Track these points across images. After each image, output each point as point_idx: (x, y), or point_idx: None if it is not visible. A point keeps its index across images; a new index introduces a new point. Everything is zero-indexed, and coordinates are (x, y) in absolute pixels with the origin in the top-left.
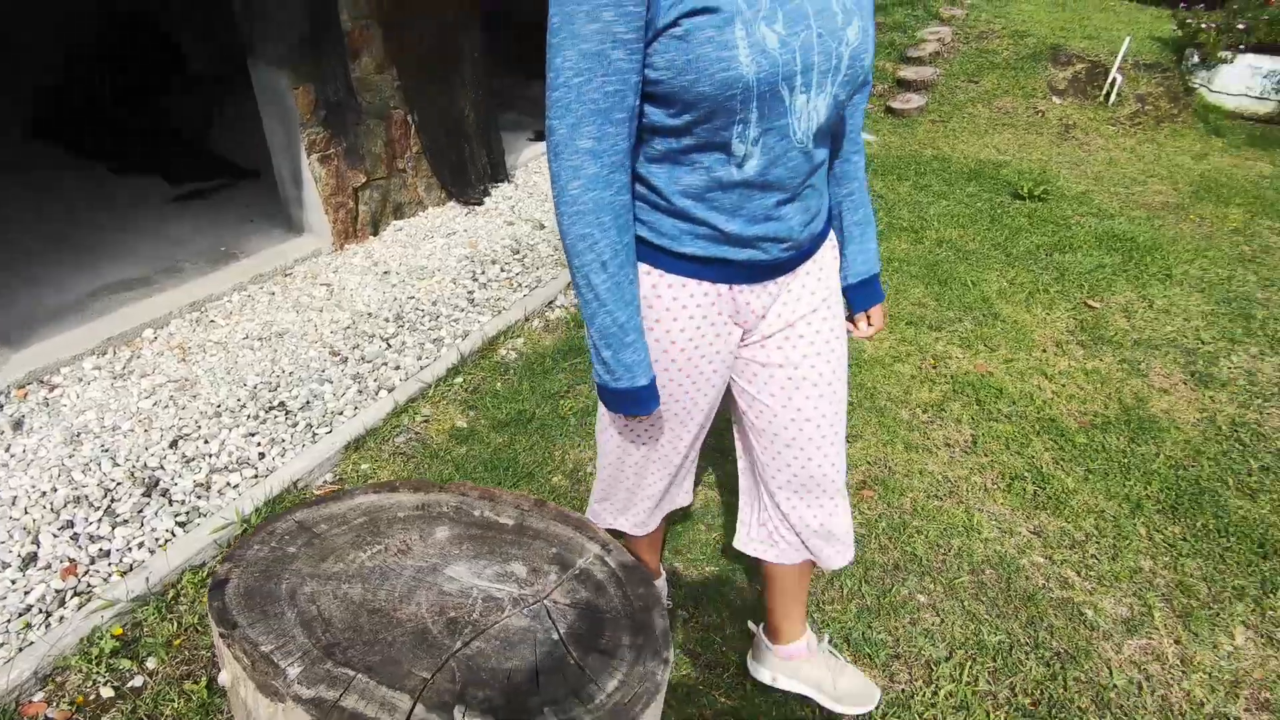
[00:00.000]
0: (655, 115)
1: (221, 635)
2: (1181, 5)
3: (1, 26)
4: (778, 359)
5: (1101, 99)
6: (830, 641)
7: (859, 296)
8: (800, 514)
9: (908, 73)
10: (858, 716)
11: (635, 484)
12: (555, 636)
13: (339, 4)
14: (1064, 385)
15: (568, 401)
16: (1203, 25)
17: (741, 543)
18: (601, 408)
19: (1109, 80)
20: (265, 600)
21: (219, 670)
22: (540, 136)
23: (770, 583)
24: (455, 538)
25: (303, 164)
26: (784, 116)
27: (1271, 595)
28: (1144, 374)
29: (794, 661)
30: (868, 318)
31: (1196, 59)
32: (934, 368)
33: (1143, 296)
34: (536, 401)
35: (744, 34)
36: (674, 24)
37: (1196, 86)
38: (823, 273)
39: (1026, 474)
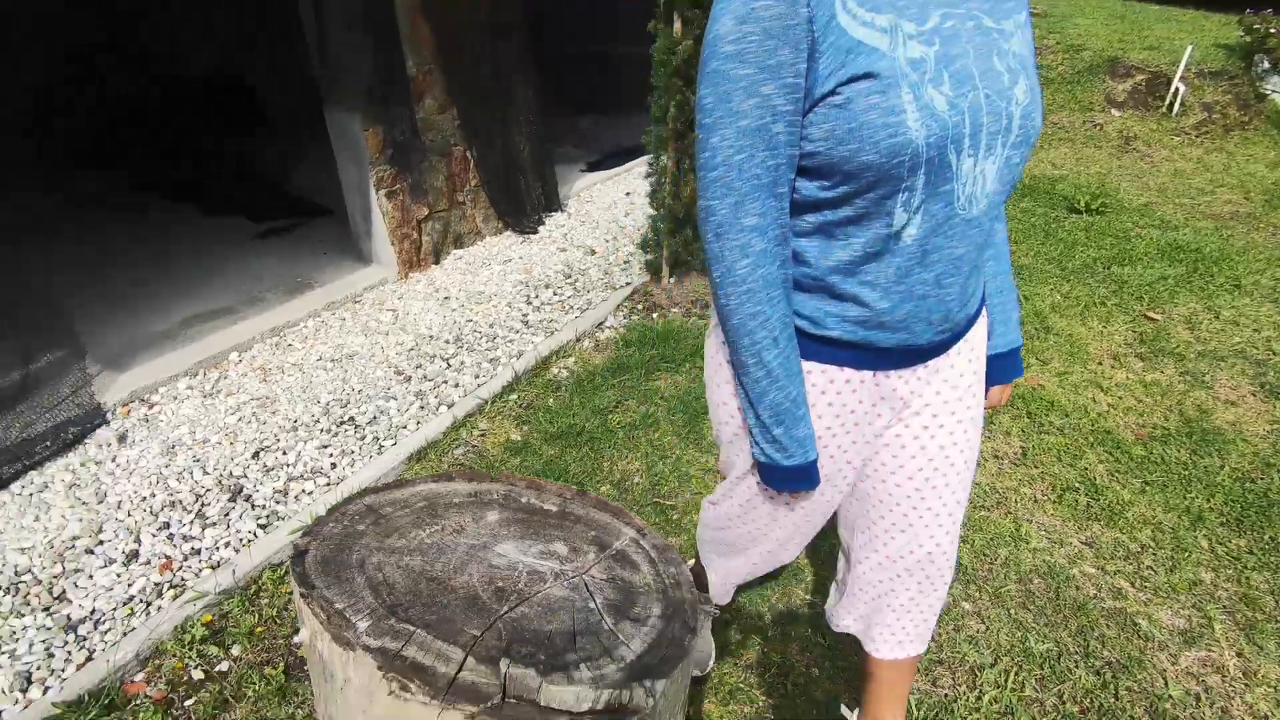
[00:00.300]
0: (808, 189)
1: (302, 595)
2: (1249, 10)
3: (118, 98)
4: (912, 449)
5: (1164, 109)
6: None
7: (997, 370)
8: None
9: None
10: None
11: (753, 546)
12: (592, 605)
13: (404, 52)
14: (1120, 398)
15: (616, 416)
16: (1272, 30)
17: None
18: (739, 482)
19: (1171, 90)
20: (338, 568)
21: (299, 631)
22: (593, 168)
23: (870, 676)
24: (504, 520)
25: (372, 200)
26: (949, 182)
27: None
28: (1208, 386)
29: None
30: (1000, 390)
31: (1267, 64)
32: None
33: (1208, 308)
34: (586, 416)
35: (911, 97)
36: (833, 92)
37: (1268, 93)
38: (974, 353)
39: (1079, 485)
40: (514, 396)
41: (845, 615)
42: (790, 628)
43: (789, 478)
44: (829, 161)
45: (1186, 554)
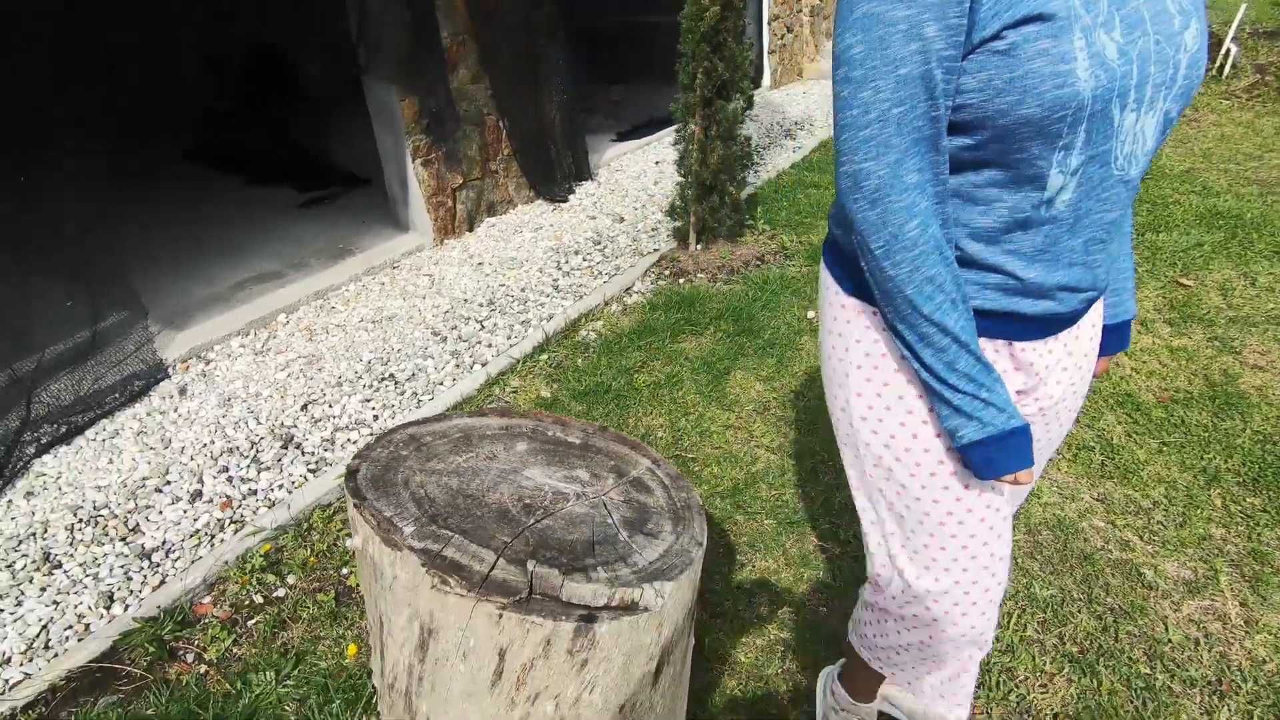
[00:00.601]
0: (951, 146)
1: (355, 505)
2: None
3: (160, 70)
4: (1035, 432)
5: (1214, 72)
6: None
7: (1107, 341)
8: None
9: None
10: None
11: (981, 582)
12: (609, 521)
13: (439, 21)
14: (1145, 361)
15: (641, 376)
16: None
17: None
18: (934, 505)
19: (1222, 51)
20: (386, 485)
21: (353, 538)
22: (623, 137)
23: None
24: (532, 450)
25: (408, 169)
26: (1109, 140)
27: None
28: (1237, 351)
29: (890, 689)
30: (1104, 361)
31: None
32: None
33: (1244, 274)
34: (613, 375)
35: (1084, 43)
36: (996, 36)
37: None
38: (1094, 325)
39: (1095, 445)
40: (544, 356)
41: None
42: (803, 570)
43: (1011, 449)
44: (980, 115)
45: (1199, 510)
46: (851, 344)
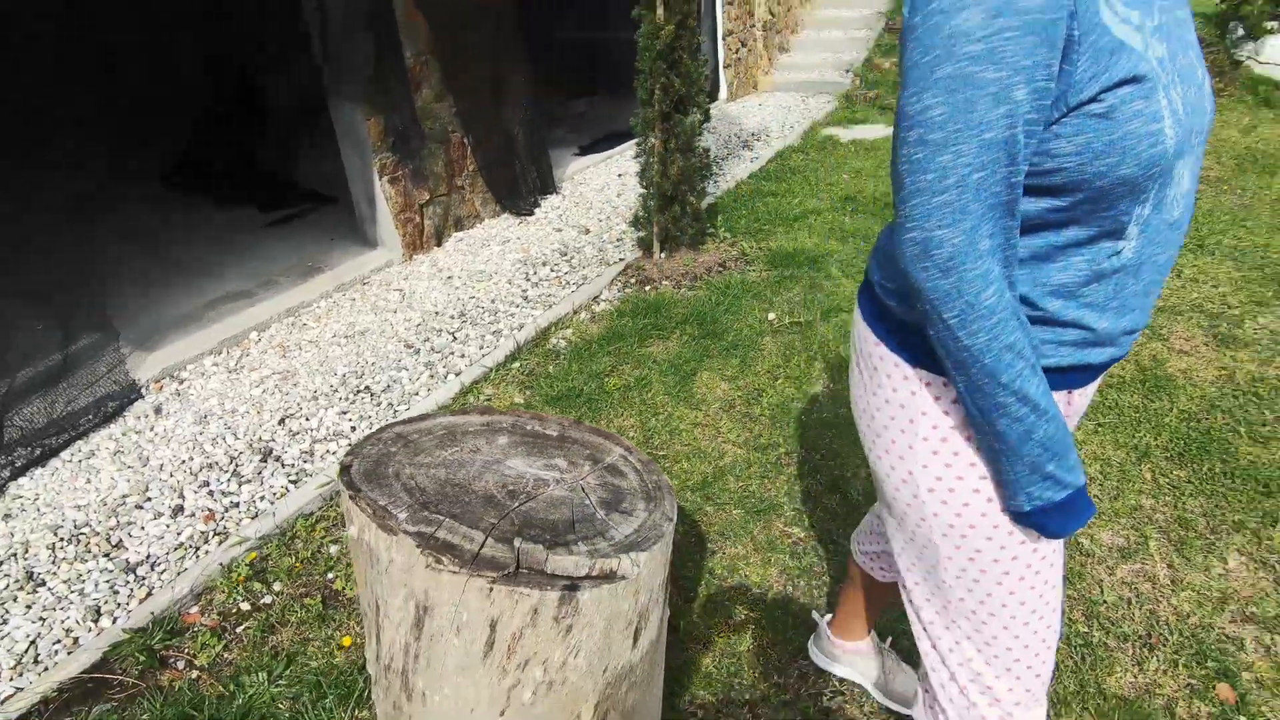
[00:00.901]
0: (1033, 209)
1: (350, 496)
2: None
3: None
4: None
5: None
6: (892, 644)
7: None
8: None
9: None
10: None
11: (1048, 644)
12: (587, 502)
13: (401, 42)
14: None
15: (612, 379)
16: None
17: (855, 549)
18: (995, 585)
19: None
20: (378, 478)
21: (349, 528)
22: (586, 151)
23: (858, 588)
24: (513, 443)
25: (375, 186)
26: (1169, 188)
27: (1270, 528)
28: (1164, 338)
29: (857, 655)
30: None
31: (1241, 31)
32: None
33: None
34: (584, 380)
35: (1166, 101)
36: (1094, 99)
37: (1243, 59)
38: None
39: None
40: (516, 365)
41: (867, 544)
42: (770, 554)
43: (1073, 510)
44: (1078, 178)
45: (1131, 484)
46: (917, 416)
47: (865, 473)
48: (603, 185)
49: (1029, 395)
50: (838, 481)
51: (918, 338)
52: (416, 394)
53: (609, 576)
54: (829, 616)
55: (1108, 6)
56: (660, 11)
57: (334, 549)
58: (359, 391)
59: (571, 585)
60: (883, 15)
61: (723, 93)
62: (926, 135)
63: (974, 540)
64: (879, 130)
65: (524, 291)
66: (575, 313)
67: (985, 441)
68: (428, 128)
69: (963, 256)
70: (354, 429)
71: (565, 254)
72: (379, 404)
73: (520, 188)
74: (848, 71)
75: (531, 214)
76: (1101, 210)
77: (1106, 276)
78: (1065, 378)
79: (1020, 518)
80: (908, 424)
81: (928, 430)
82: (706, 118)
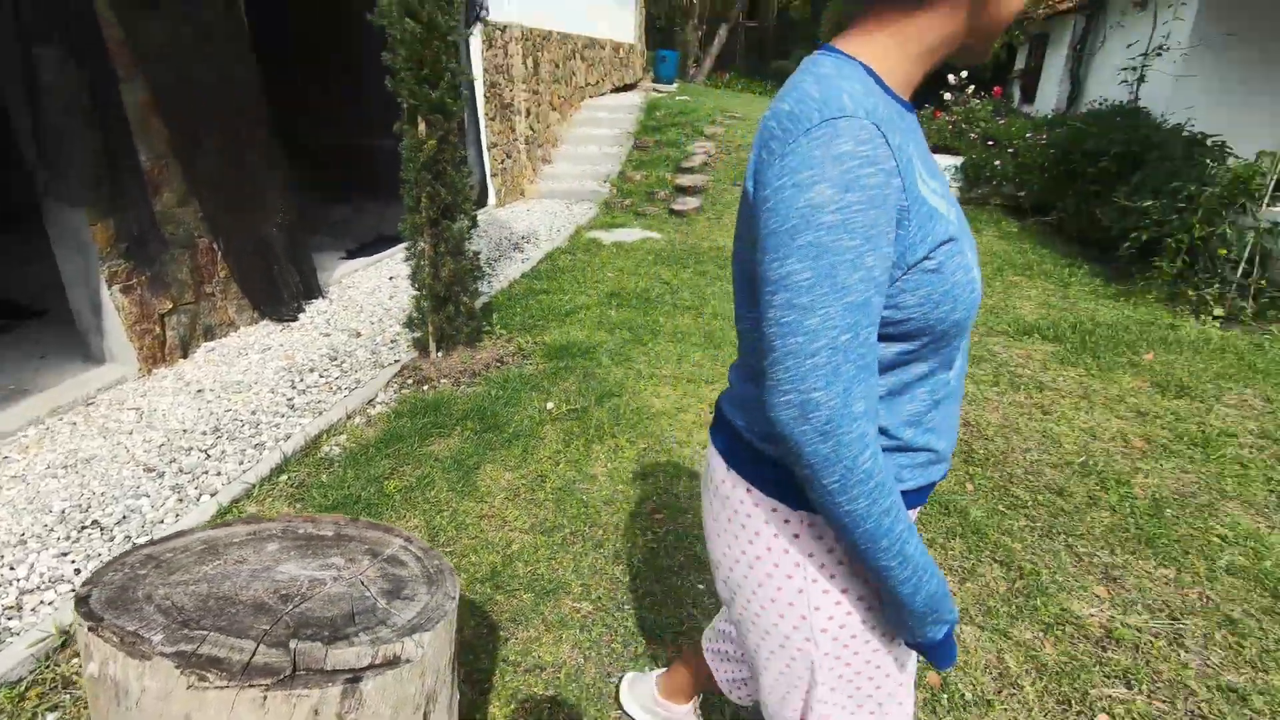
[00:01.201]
0: (888, 354)
1: (90, 629)
2: None
3: None
4: None
5: None
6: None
7: None
8: None
9: (684, 180)
10: None
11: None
12: (367, 594)
13: (135, 144)
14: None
15: (392, 482)
16: None
17: (705, 645)
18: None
19: None
20: (125, 603)
21: (89, 665)
22: (353, 255)
23: (695, 667)
24: (284, 548)
25: (103, 295)
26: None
27: None
28: None
29: (673, 715)
30: None
31: None
32: (710, 412)
33: None
34: (361, 486)
35: (970, 254)
36: (926, 258)
37: None
38: None
39: None
40: (284, 478)
41: (717, 645)
42: (562, 631)
43: (949, 643)
44: (923, 324)
45: None
46: (803, 559)
47: (644, 540)
48: (373, 288)
49: (909, 555)
50: (619, 553)
51: (793, 481)
52: (162, 521)
53: (393, 662)
54: (660, 671)
55: (921, 181)
56: (422, 128)
57: (87, 670)
58: (84, 527)
59: (354, 677)
60: (630, 135)
61: (491, 199)
62: (794, 299)
63: (857, 657)
64: (636, 233)
65: (290, 400)
66: (349, 418)
67: (876, 585)
68: (170, 232)
69: (840, 419)
70: (79, 571)
71: (335, 359)
72: (111, 538)
73: (281, 293)
74: (605, 181)
75: (295, 319)
76: (941, 348)
77: (942, 403)
78: (918, 496)
79: (911, 645)
80: (794, 567)
81: (815, 571)
82: (474, 223)
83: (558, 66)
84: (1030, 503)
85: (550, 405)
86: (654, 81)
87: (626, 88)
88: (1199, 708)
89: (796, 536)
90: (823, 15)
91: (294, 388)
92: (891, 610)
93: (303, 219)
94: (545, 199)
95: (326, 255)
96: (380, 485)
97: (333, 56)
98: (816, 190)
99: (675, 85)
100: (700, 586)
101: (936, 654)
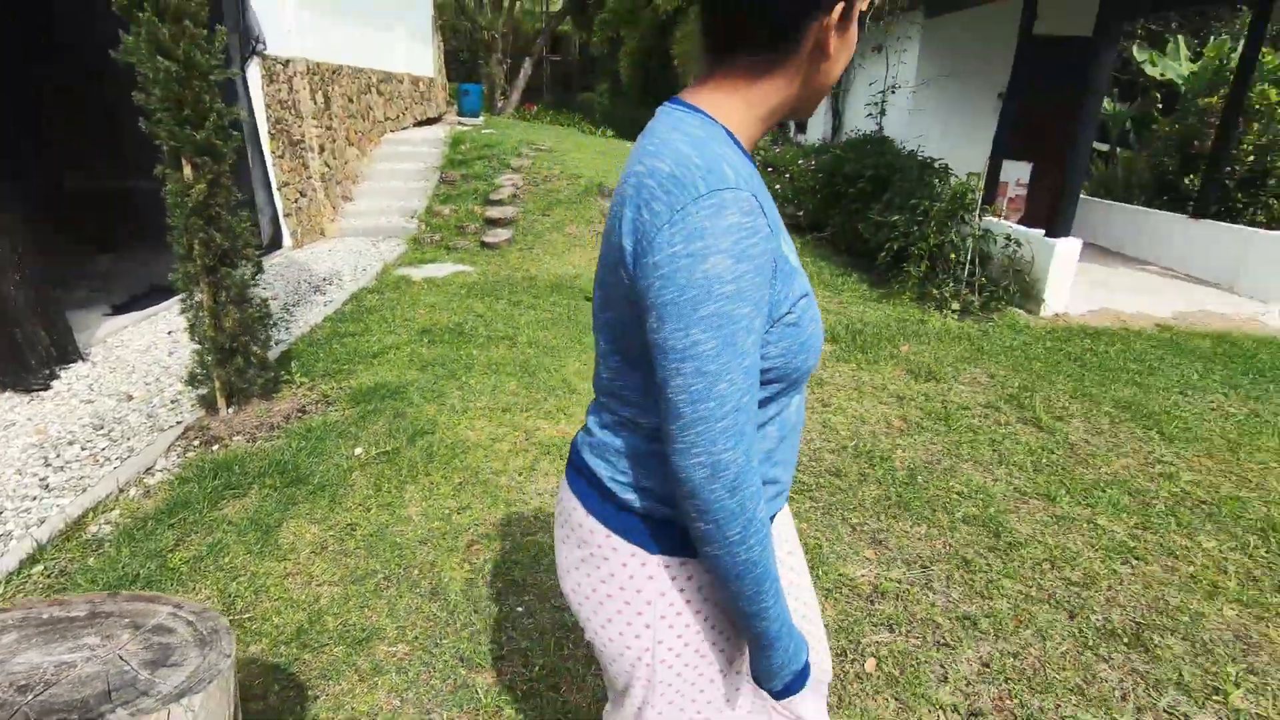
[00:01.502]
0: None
1: None
2: None
3: None
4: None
5: None
6: None
7: None
8: None
9: (493, 212)
10: None
11: None
12: (127, 668)
13: None
14: None
15: (178, 553)
16: None
17: None
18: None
19: None
20: None
21: None
22: (121, 310)
23: None
24: (23, 638)
25: None
26: None
27: None
28: None
29: None
30: None
31: None
32: (526, 439)
33: None
34: (140, 562)
35: (816, 304)
36: (789, 312)
37: None
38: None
39: None
40: (39, 568)
41: None
42: (377, 678)
43: (804, 669)
44: (784, 372)
45: None
46: (655, 598)
47: (462, 573)
48: (148, 345)
49: (776, 589)
50: (436, 589)
51: (661, 526)
52: None
53: None
54: None
55: (783, 241)
56: (188, 171)
57: None
58: None
59: None
60: (436, 169)
61: (287, 240)
62: (703, 367)
63: (692, 687)
64: (448, 268)
65: (43, 480)
66: (121, 490)
67: (746, 636)
68: None
69: (744, 475)
70: None
71: (101, 427)
72: None
73: (26, 359)
74: (413, 217)
75: (47, 388)
76: (793, 390)
77: (786, 438)
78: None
79: (775, 692)
80: (645, 605)
81: (665, 609)
82: (259, 269)
83: (352, 101)
84: (814, 486)
85: (359, 450)
86: (459, 115)
87: (430, 121)
88: (943, 637)
89: (650, 579)
90: (675, 52)
91: (48, 465)
92: (763, 650)
93: (56, 273)
94: (349, 237)
95: (88, 311)
96: (163, 560)
97: (86, 91)
98: (712, 261)
99: (481, 118)
100: (519, 609)
101: (801, 680)
